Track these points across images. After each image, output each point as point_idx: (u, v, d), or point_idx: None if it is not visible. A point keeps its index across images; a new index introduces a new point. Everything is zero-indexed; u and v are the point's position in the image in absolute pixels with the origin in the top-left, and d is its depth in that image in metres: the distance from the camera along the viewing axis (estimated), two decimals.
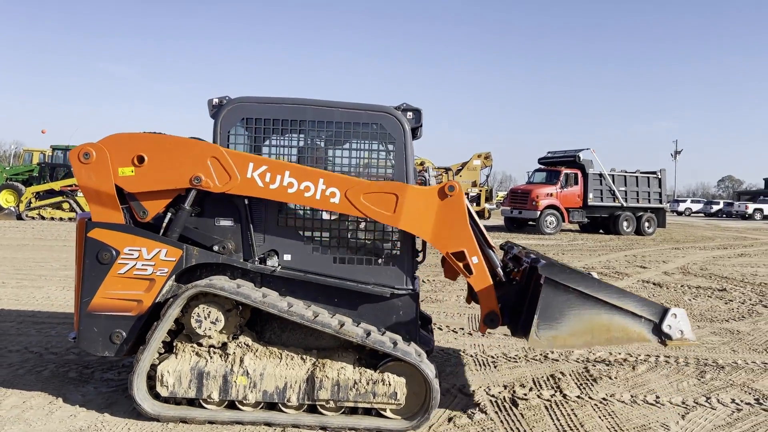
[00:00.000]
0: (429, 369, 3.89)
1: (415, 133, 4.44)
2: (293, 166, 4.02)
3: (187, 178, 3.96)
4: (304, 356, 3.99)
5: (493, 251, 4.35)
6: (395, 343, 3.89)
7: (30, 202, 21.20)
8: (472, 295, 4.51)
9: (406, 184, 4.07)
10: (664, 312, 3.89)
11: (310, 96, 4.29)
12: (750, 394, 4.90)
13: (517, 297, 4.30)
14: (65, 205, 21.51)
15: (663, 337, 3.89)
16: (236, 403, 3.94)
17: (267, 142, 4.22)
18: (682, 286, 10.48)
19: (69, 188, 21.19)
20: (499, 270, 4.36)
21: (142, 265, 3.98)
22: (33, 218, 21.16)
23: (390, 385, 3.84)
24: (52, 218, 21.34)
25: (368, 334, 3.91)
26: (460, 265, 4.10)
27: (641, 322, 3.89)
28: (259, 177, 3.97)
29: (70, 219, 21.25)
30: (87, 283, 3.98)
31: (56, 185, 21.39)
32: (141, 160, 3.96)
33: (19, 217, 20.98)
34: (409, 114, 4.23)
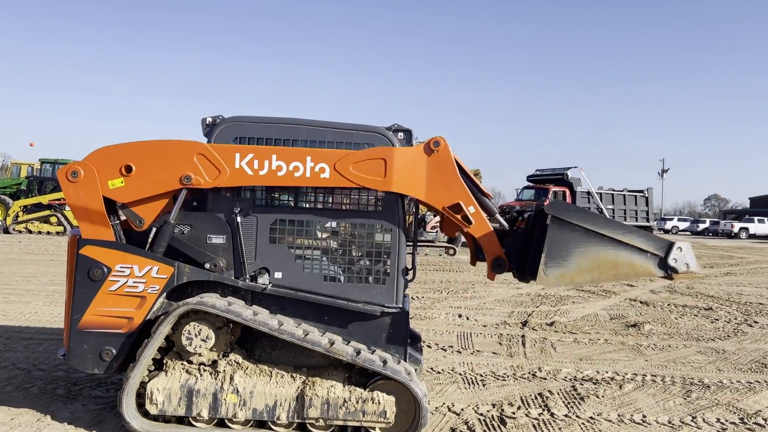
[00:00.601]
0: (418, 387, 3.91)
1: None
2: (279, 148, 4.06)
3: (176, 179, 4.00)
4: (294, 374, 4.00)
5: (488, 199, 4.36)
6: (385, 362, 3.92)
7: (17, 216, 21.04)
8: (476, 254, 4.49)
9: (392, 146, 4.11)
10: (670, 246, 3.91)
11: (303, 115, 4.36)
12: (735, 413, 4.95)
13: (523, 243, 4.31)
14: (53, 219, 21.35)
15: (669, 271, 3.91)
16: (226, 421, 3.94)
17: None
18: (669, 304, 10.58)
19: (57, 202, 21.05)
20: (499, 216, 4.38)
21: (134, 282, 3.99)
22: (20, 232, 20.98)
23: (379, 403, 3.86)
24: (40, 232, 21.18)
25: (358, 352, 3.94)
26: (458, 217, 4.14)
27: (647, 257, 3.92)
28: (248, 165, 4.01)
29: (58, 233, 21.10)
30: (77, 299, 3.99)
31: (44, 199, 21.26)
32: (129, 169, 4.00)
33: (6, 231, 20.80)
34: (400, 134, 4.30)
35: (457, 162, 4.18)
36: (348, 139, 4.20)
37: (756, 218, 46.79)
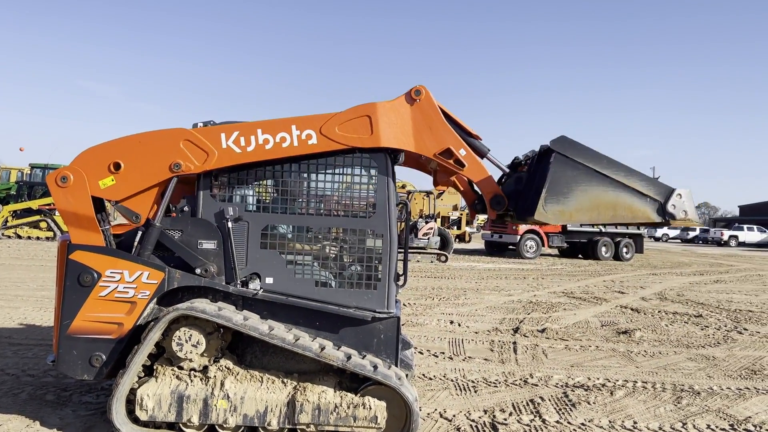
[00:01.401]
0: (409, 392, 3.91)
1: (397, 158, 4.51)
2: (263, 122, 4.06)
3: (166, 168, 4.00)
4: (285, 380, 3.98)
5: (478, 140, 4.36)
6: (375, 367, 3.91)
7: (6, 221, 20.87)
8: (474, 206, 4.49)
9: (375, 102, 4.10)
10: (670, 192, 3.93)
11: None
12: (725, 419, 4.97)
13: (523, 185, 4.31)
14: (43, 225, 21.20)
15: (667, 217, 3.94)
16: (216, 427, 3.91)
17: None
18: (659, 311, 10.63)
19: (47, 207, 20.90)
20: (491, 156, 4.37)
21: (124, 287, 3.96)
22: (9, 237, 20.81)
23: (370, 408, 3.85)
24: (29, 237, 21.02)
25: (349, 357, 3.93)
26: (451, 162, 4.14)
27: (647, 201, 3.93)
28: (234, 144, 4.01)
29: (47, 238, 20.94)
30: (67, 305, 3.96)
31: (34, 204, 21.10)
32: (117, 166, 3.99)
33: None
34: None
35: (441, 109, 4.19)
36: None
37: (746, 226, 47.14)
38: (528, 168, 4.44)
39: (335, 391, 3.93)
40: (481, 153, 4.33)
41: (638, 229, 24.60)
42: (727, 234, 45.96)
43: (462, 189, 4.58)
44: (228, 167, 4.08)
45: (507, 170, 4.47)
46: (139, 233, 4.09)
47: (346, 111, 4.07)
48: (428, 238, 19.91)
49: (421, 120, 4.11)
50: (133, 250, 4.07)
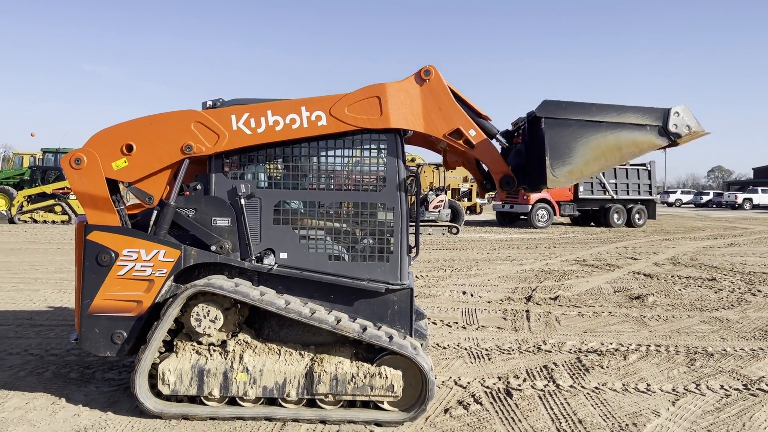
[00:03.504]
0: (425, 361, 3.98)
1: (406, 131, 4.51)
2: (273, 104, 4.08)
3: (178, 150, 4.05)
4: (303, 352, 4.07)
5: (487, 120, 4.37)
6: (391, 338, 3.98)
7: (22, 206, 21.12)
8: (483, 184, 4.52)
9: (384, 83, 4.10)
10: (666, 113, 3.91)
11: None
12: (738, 380, 5.02)
13: (524, 156, 4.32)
14: (57, 208, 21.43)
15: (673, 137, 3.91)
16: (237, 399, 4.02)
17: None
18: (672, 276, 10.63)
19: (61, 191, 21.11)
20: (500, 137, 4.39)
21: (141, 266, 4.04)
22: (25, 222, 21.08)
23: (387, 378, 3.93)
24: (45, 221, 21.27)
25: (364, 329, 3.99)
26: (460, 142, 4.16)
27: (647, 131, 3.92)
28: (245, 125, 4.04)
29: (63, 222, 21.19)
30: (87, 285, 4.05)
31: (48, 188, 21.31)
32: (130, 148, 4.04)
33: (11, 221, 20.90)
34: None
35: (451, 89, 4.18)
36: None
37: (760, 189, 46.67)
38: (523, 138, 4.42)
39: (352, 362, 4.01)
40: (491, 134, 4.32)
41: (650, 194, 24.43)
42: (741, 197, 45.52)
43: (471, 168, 4.57)
44: (239, 148, 4.11)
45: (507, 145, 4.45)
46: (155, 213, 4.16)
47: (355, 92, 4.07)
48: (439, 211, 19.90)
49: (430, 100, 4.10)
50: (149, 229, 4.14)
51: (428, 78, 4.09)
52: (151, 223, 4.16)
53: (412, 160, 23.96)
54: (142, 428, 3.89)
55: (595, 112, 3.91)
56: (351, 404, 4.05)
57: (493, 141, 4.35)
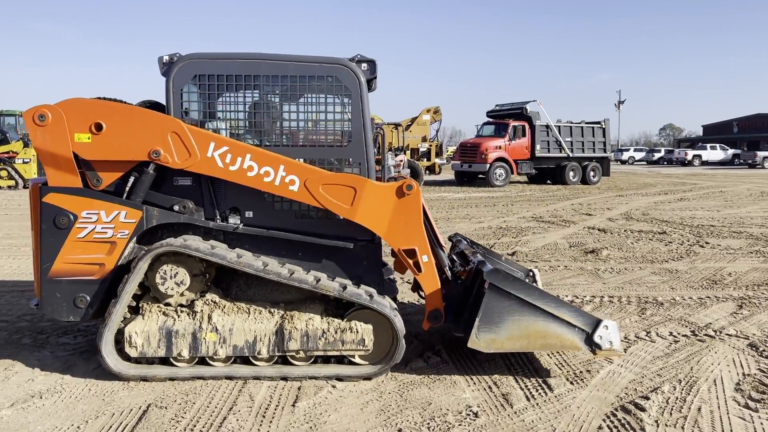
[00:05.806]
0: (398, 319, 4.06)
1: (370, 84, 4.48)
2: (255, 149, 4.01)
3: (145, 151, 3.91)
4: (272, 310, 4.08)
5: (442, 251, 4.54)
6: (371, 296, 4.03)
7: None
8: (417, 287, 4.69)
9: (366, 178, 4.11)
10: (597, 323, 4.08)
11: (264, 50, 4.25)
12: (686, 327, 5.29)
13: (461, 296, 4.49)
14: (3, 173, 20.53)
15: (593, 347, 4.07)
16: (207, 359, 4.02)
17: (220, 99, 4.20)
18: (625, 230, 11.00)
19: (6, 155, 20.20)
20: (447, 270, 4.55)
21: (102, 228, 3.95)
22: None
23: (357, 332, 4.00)
24: None
25: (344, 287, 4.02)
26: (410, 262, 4.20)
27: (575, 331, 4.08)
28: (220, 157, 3.95)
29: (9, 187, 20.35)
30: (45, 249, 3.94)
31: None
32: (99, 127, 3.87)
33: None
34: (364, 65, 4.25)
35: (423, 209, 4.23)
36: (311, 72, 4.14)
37: (708, 145, 48.22)
38: (467, 277, 4.57)
39: (322, 318, 4.05)
40: (441, 265, 4.45)
41: (605, 152, 25.02)
42: (690, 154, 46.97)
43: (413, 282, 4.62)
44: (204, 175, 4.02)
45: (450, 278, 4.58)
46: (132, 179, 4.02)
47: (336, 174, 4.05)
48: (398, 171, 19.95)
49: (401, 214, 4.10)
50: (125, 195, 4.01)
51: (409, 192, 4.08)
52: (127, 188, 4.03)
53: (371, 119, 23.79)
54: (99, 391, 3.86)
55: (537, 296, 4.02)
56: (324, 360, 4.12)
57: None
